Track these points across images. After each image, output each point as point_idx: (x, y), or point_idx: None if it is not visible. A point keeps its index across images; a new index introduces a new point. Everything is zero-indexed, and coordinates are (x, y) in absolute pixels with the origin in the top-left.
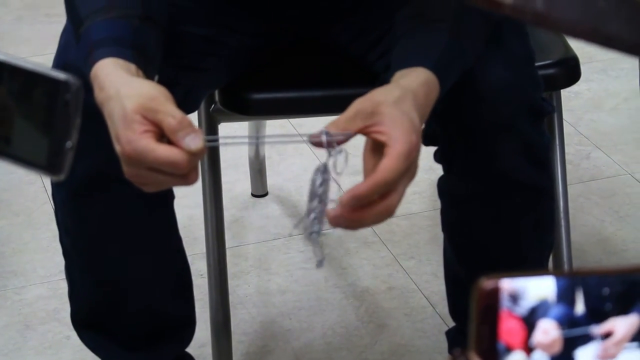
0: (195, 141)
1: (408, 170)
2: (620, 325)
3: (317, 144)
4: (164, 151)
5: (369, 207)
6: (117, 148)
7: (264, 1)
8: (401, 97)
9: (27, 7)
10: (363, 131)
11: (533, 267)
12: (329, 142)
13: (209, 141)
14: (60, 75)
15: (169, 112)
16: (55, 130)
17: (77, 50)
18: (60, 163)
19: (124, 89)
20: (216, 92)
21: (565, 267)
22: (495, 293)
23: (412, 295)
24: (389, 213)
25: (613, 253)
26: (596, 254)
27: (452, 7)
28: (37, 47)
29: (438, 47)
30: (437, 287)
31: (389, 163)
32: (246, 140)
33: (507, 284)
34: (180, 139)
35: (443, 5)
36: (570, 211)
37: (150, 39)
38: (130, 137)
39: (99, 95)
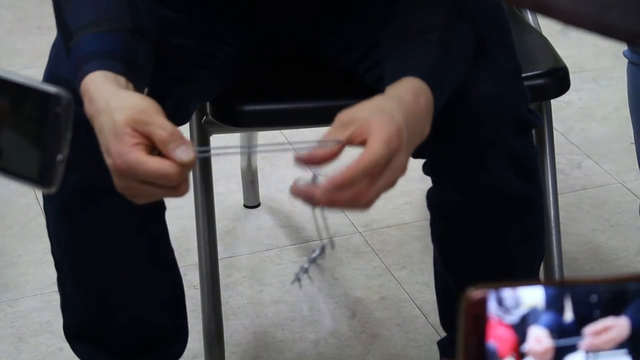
0: (186, 153)
1: (388, 166)
2: (614, 323)
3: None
4: (155, 164)
5: (340, 191)
6: (108, 161)
7: (253, 14)
8: (382, 102)
9: (19, 20)
10: (349, 140)
11: (523, 276)
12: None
13: (199, 152)
14: (51, 88)
15: (159, 124)
16: (46, 144)
17: (67, 64)
18: (52, 176)
19: (113, 101)
20: (207, 104)
21: (557, 275)
22: (482, 303)
23: (404, 305)
24: (359, 202)
25: (604, 262)
26: (587, 263)
27: (439, 19)
28: (28, 59)
29: (427, 57)
30: (429, 296)
31: (368, 151)
32: (237, 150)
33: (495, 294)
34: (171, 150)
35: (429, 18)
36: (562, 220)
37: (139, 52)
38: (121, 150)
39: (89, 108)
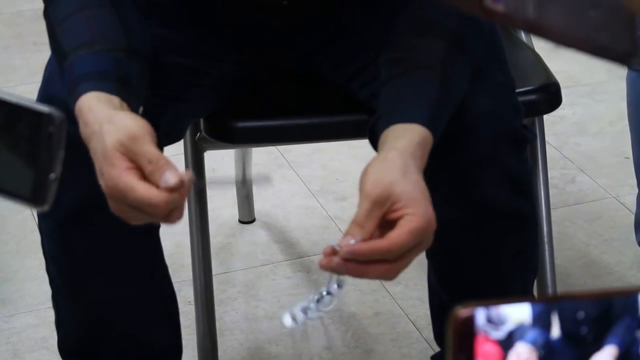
0: (173, 177)
1: (421, 242)
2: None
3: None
4: (142, 191)
5: (370, 264)
6: (102, 184)
7: (247, 30)
8: (406, 168)
9: (15, 36)
10: (384, 218)
11: (517, 292)
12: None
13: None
14: (44, 108)
15: (144, 153)
16: (39, 162)
17: (62, 84)
18: (44, 194)
19: (105, 124)
20: (201, 121)
21: (550, 290)
22: (470, 321)
23: (398, 320)
24: (388, 276)
25: (598, 276)
26: (581, 278)
27: (440, 53)
28: (25, 76)
29: (430, 100)
30: (423, 312)
31: (400, 236)
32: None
33: (483, 311)
34: (157, 180)
35: (431, 51)
36: (556, 235)
37: (134, 71)
38: (112, 174)
39: (84, 131)
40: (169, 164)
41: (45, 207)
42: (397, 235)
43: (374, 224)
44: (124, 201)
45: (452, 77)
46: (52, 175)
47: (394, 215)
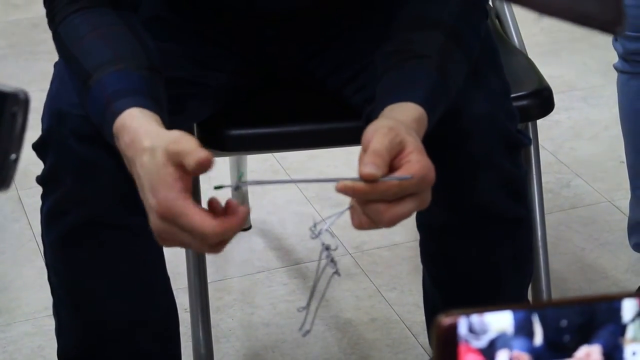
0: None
1: (418, 195)
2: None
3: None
4: (199, 219)
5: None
6: (151, 202)
7: (242, 39)
8: (410, 129)
9: (12, 45)
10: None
11: (512, 296)
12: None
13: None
14: (8, 88)
15: (186, 150)
16: (1, 142)
17: (89, 103)
18: (4, 176)
19: (157, 140)
20: (195, 127)
21: (544, 295)
22: (453, 329)
23: (394, 326)
24: (380, 218)
25: (593, 281)
26: (577, 282)
27: (437, 44)
28: (22, 84)
29: (427, 83)
30: (419, 317)
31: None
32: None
33: (466, 319)
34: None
35: (428, 42)
36: (551, 239)
37: (160, 89)
38: (169, 195)
39: (130, 146)
40: (201, 151)
41: (4, 189)
42: (398, 175)
43: (389, 161)
44: (175, 222)
45: (448, 66)
46: (13, 156)
47: (398, 162)
